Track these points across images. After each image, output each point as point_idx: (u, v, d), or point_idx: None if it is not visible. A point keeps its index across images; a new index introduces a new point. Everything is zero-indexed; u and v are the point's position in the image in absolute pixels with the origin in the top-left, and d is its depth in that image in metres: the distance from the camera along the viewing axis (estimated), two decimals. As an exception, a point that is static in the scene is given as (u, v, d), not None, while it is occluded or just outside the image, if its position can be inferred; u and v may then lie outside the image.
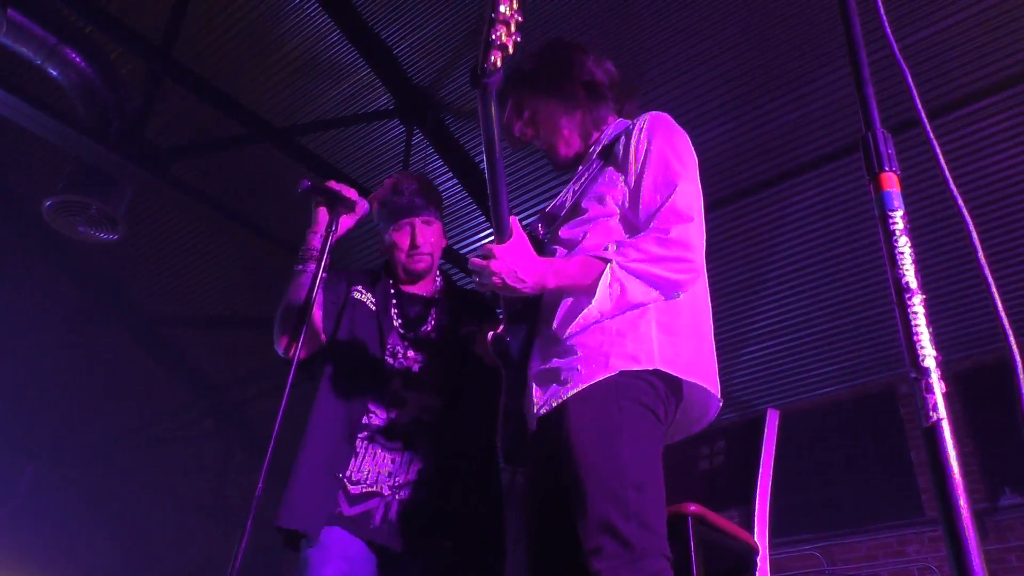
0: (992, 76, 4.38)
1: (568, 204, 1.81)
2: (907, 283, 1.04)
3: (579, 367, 1.60)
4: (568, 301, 1.67)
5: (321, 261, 1.98)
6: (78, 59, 4.51)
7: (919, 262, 1.06)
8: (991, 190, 4.80)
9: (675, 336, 1.63)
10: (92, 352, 7.00)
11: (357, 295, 2.24)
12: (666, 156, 1.70)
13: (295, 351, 1.90)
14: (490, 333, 1.76)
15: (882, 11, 1.28)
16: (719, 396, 1.71)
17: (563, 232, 1.77)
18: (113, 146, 4.37)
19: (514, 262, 1.59)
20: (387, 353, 2.15)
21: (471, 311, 2.31)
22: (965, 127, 4.57)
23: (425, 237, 2.25)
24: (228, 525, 7.78)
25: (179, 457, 7.91)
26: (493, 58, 1.46)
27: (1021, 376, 1.00)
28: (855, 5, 1.25)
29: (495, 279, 1.60)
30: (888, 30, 1.26)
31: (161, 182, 4.57)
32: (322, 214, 2.09)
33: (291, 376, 1.87)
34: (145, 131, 4.56)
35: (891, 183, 1.10)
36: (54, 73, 4.52)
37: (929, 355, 1.01)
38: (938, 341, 1.00)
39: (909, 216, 1.09)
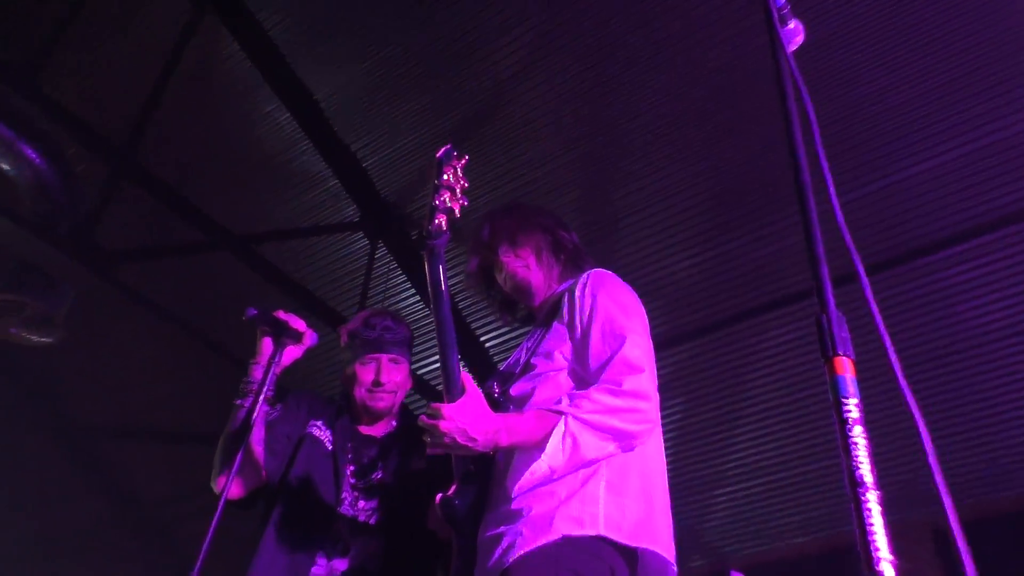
0: (972, 220, 4.52)
1: (521, 362, 1.87)
2: (861, 476, 1.03)
3: (523, 531, 1.60)
4: (520, 459, 1.68)
5: (259, 395, 1.97)
6: (34, 155, 4.53)
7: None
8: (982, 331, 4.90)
9: (623, 497, 1.64)
10: (15, 455, 6.74)
11: (316, 431, 2.24)
12: (611, 310, 1.78)
13: (225, 489, 1.89)
14: (438, 496, 1.77)
15: (826, 168, 1.31)
16: (674, 561, 1.69)
17: (514, 389, 1.82)
18: (59, 244, 4.34)
19: (464, 420, 1.60)
20: (339, 500, 2.15)
21: (422, 444, 2.29)
22: (948, 268, 4.68)
23: (390, 376, 2.28)
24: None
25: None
26: (438, 221, 1.60)
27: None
28: (806, 159, 1.28)
29: (446, 439, 1.61)
30: (830, 182, 1.28)
31: (107, 285, 4.52)
32: (266, 344, 2.10)
33: (217, 515, 1.82)
34: (95, 232, 4.54)
35: (845, 368, 1.10)
36: (5, 167, 4.53)
37: (885, 557, 0.98)
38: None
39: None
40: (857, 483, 1.02)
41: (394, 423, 2.37)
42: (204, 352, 4.97)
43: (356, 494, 2.17)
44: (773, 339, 5.18)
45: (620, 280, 1.90)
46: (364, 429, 2.30)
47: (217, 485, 2.04)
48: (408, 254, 5.32)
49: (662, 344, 5.01)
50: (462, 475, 1.77)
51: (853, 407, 1.06)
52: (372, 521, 2.14)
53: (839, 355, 1.10)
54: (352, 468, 2.21)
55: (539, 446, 1.62)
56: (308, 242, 5.41)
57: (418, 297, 5.45)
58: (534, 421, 1.64)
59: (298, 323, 2.09)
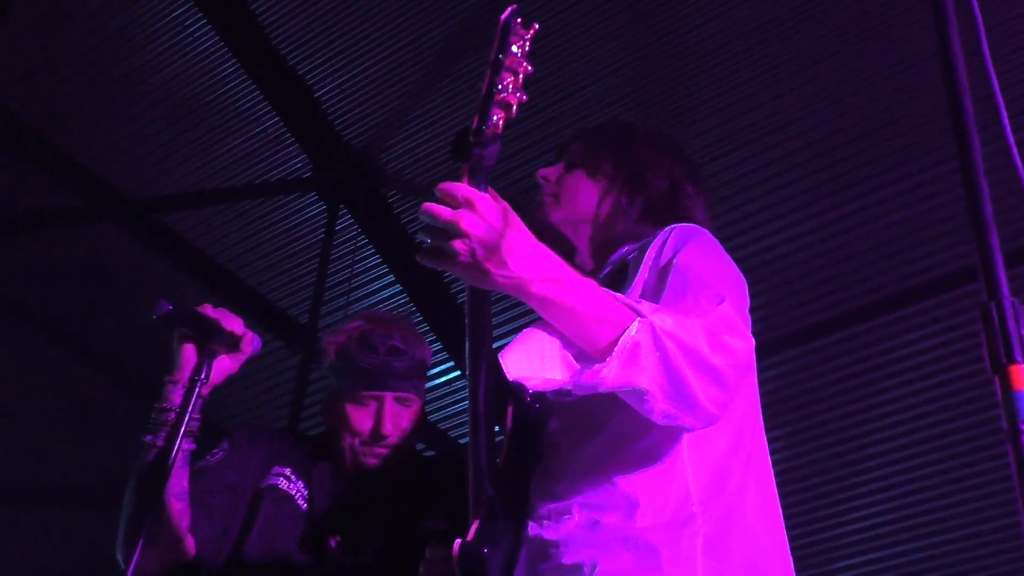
0: None
1: None
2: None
3: None
4: (574, 455, 1.70)
5: (179, 427, 1.98)
6: None
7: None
8: None
9: (729, 558, 1.65)
10: None
11: (283, 483, 2.26)
12: (700, 269, 1.76)
13: (131, 562, 1.89)
14: (456, 543, 1.69)
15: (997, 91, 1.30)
16: None
17: (549, 386, 1.78)
18: None
19: (502, 225, 1.51)
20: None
21: (434, 494, 2.34)
22: None
23: (396, 422, 2.29)
24: None
25: None
26: (496, 118, 1.50)
27: None
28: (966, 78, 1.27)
29: (460, 243, 1.49)
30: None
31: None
32: (188, 354, 2.09)
33: None
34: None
35: (1024, 380, 1.10)
36: None
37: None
38: None
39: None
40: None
41: (394, 466, 2.37)
42: (80, 371, 4.96)
43: (346, 571, 2.20)
44: (912, 344, 5.16)
45: (716, 241, 1.90)
46: (354, 478, 2.33)
47: (120, 556, 2.05)
48: (383, 223, 5.32)
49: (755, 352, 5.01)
50: (487, 508, 1.70)
51: (1038, 435, 1.06)
52: None
53: (1017, 362, 1.09)
54: (337, 539, 2.24)
55: (591, 338, 1.58)
56: (237, 208, 5.42)
57: (399, 287, 5.46)
58: (601, 297, 1.59)
59: (233, 322, 2.08)
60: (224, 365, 2.10)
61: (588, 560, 1.63)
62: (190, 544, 2.15)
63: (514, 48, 1.52)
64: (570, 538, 1.67)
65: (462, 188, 1.50)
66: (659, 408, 1.56)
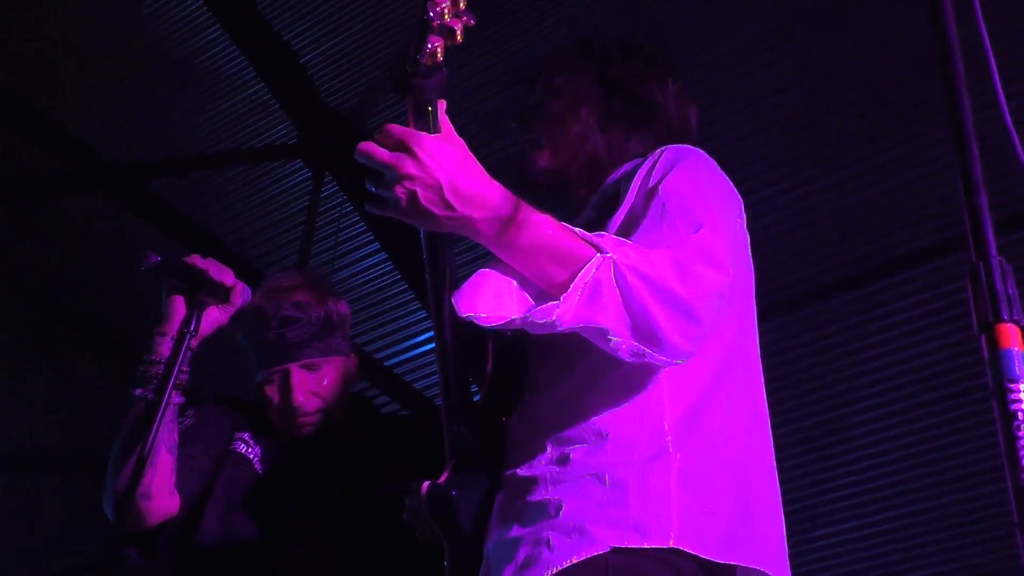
0: None
1: None
2: (1035, 495, 1.04)
3: (550, 538, 1.54)
4: (555, 394, 1.65)
5: (169, 379, 1.96)
6: None
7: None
8: None
9: (706, 494, 1.58)
10: None
11: (241, 447, 2.27)
12: (684, 190, 1.70)
13: (125, 519, 1.92)
14: (424, 484, 1.67)
15: (989, 52, 1.31)
16: None
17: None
18: None
19: (451, 164, 1.45)
20: (276, 543, 2.18)
21: (397, 455, 2.33)
22: None
23: (308, 389, 2.24)
24: None
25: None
26: (432, 46, 1.43)
27: None
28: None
29: (403, 185, 1.44)
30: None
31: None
32: (177, 305, 2.08)
33: (111, 551, 1.85)
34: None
35: (1013, 338, 1.11)
36: None
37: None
38: None
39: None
40: (1031, 505, 1.03)
41: (351, 425, 2.39)
42: (64, 335, 4.95)
43: (300, 535, 2.20)
44: (895, 314, 5.18)
45: (712, 162, 1.84)
46: (302, 444, 2.32)
47: (111, 510, 2.04)
48: (368, 191, 5.30)
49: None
50: (461, 452, 1.68)
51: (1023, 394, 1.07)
52: (328, 570, 2.17)
53: (1004, 321, 1.10)
54: (290, 502, 2.24)
55: (548, 275, 1.51)
56: (223, 175, 5.40)
57: (385, 255, 5.45)
58: (558, 233, 1.52)
59: (223, 273, 2.06)
60: (214, 317, 2.09)
61: (554, 498, 1.58)
62: (176, 501, 2.15)
63: None
64: (540, 475, 1.62)
65: (397, 129, 1.46)
66: (625, 346, 1.50)
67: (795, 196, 4.98)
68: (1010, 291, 1.12)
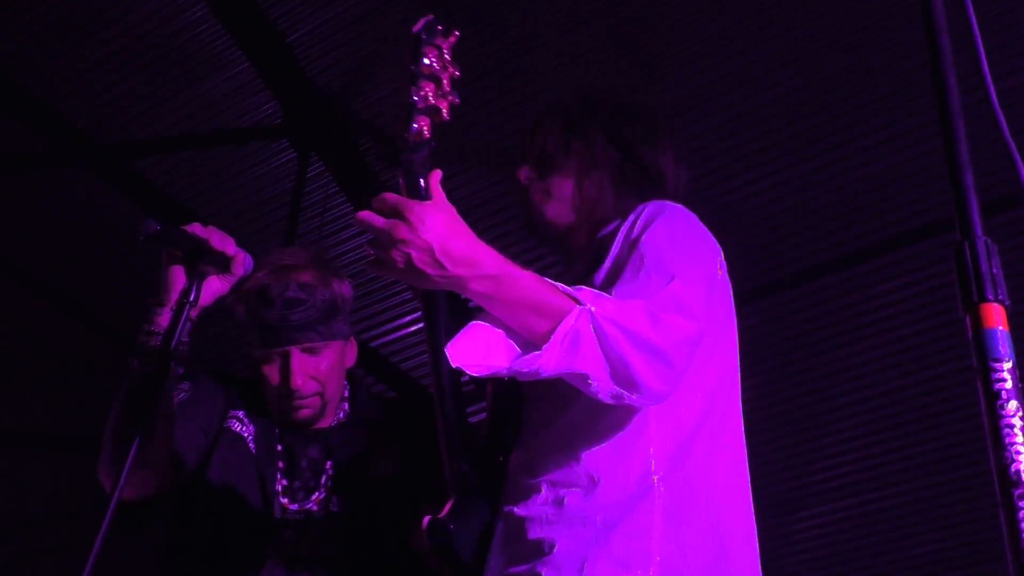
0: None
1: None
2: (1017, 473, 1.04)
3: (542, 573, 1.68)
4: (549, 439, 1.77)
5: (166, 349, 1.95)
6: None
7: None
8: None
9: (686, 527, 1.71)
10: None
11: (236, 425, 2.26)
12: (660, 244, 1.82)
13: (118, 484, 1.87)
14: (426, 519, 1.80)
15: (977, 35, 1.31)
16: None
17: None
18: None
19: (440, 228, 1.59)
20: (268, 523, 2.19)
21: (389, 439, 2.35)
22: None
23: (307, 373, 2.24)
24: None
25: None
26: (417, 126, 1.60)
27: None
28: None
29: (396, 253, 1.58)
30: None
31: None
32: (176, 275, 2.06)
33: (106, 522, 1.82)
34: None
35: (997, 318, 1.11)
36: None
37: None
38: None
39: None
40: (1011, 483, 1.04)
41: (345, 408, 2.38)
42: (49, 315, 4.93)
43: (293, 516, 2.20)
44: (880, 296, 5.20)
45: (691, 215, 1.95)
46: (295, 427, 2.32)
47: (105, 479, 2.03)
48: (354, 171, 5.30)
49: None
50: (460, 485, 1.81)
51: (1007, 374, 1.07)
52: (319, 551, 2.17)
53: (988, 300, 1.11)
54: (285, 483, 2.24)
55: (528, 326, 1.64)
56: (208, 155, 5.38)
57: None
58: (539, 289, 1.65)
59: (225, 242, 2.03)
60: (214, 287, 2.06)
61: (548, 538, 1.72)
62: (171, 474, 2.15)
63: (427, 60, 1.64)
64: (536, 516, 1.76)
65: (393, 198, 1.60)
66: (604, 389, 1.64)
67: (780, 179, 4.99)
68: (995, 271, 1.13)
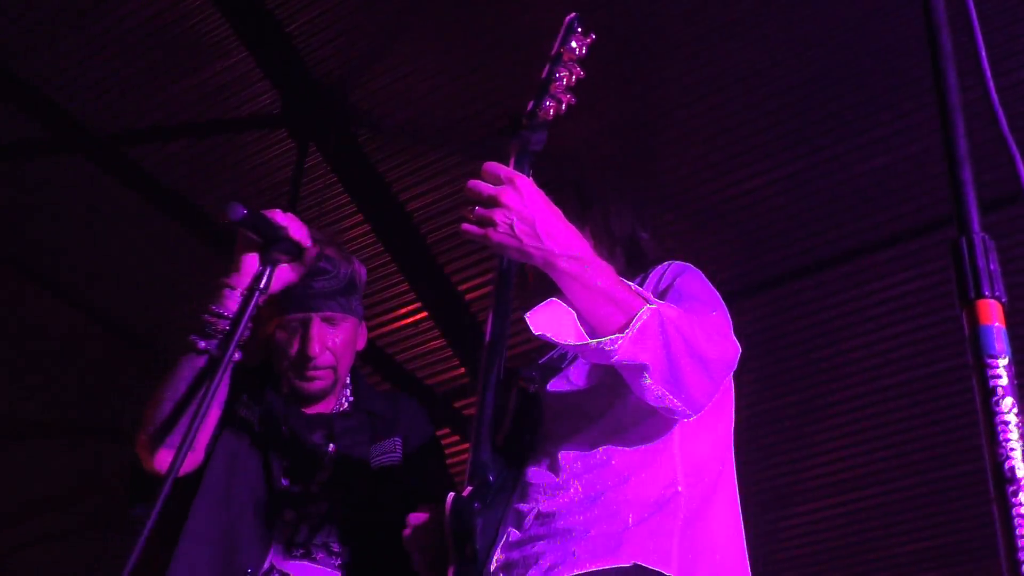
0: None
1: (569, 355, 2.00)
2: (1012, 469, 1.04)
3: (576, 550, 1.76)
4: (569, 432, 1.88)
5: (234, 335, 1.97)
6: None
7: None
8: None
9: (701, 536, 1.84)
10: None
11: (242, 409, 2.26)
12: (694, 290, 1.95)
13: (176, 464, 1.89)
14: (450, 496, 1.80)
15: (977, 30, 1.31)
16: None
17: (553, 385, 1.96)
18: None
19: (541, 205, 1.68)
20: (270, 505, 2.19)
21: (389, 431, 2.35)
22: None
23: (324, 342, 2.25)
24: None
25: None
26: (548, 105, 1.69)
27: None
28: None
29: (500, 215, 1.66)
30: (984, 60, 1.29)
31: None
32: (250, 260, 2.06)
33: (160, 500, 1.83)
34: None
35: (993, 314, 1.11)
36: None
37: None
38: None
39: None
40: (1005, 479, 1.04)
41: (348, 396, 2.39)
42: (46, 303, 4.92)
43: (294, 501, 2.21)
44: (879, 291, 5.20)
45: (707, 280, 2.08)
46: (303, 408, 2.33)
47: (157, 459, 2.03)
48: (353, 160, 5.29)
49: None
50: (476, 473, 1.82)
51: (1003, 371, 1.07)
52: (318, 541, 2.18)
53: (984, 297, 1.11)
54: (286, 465, 2.23)
55: (602, 316, 1.72)
56: (205, 144, 5.37)
57: (369, 226, 5.44)
58: (618, 281, 1.75)
59: (301, 231, 2.06)
60: (284, 275, 2.08)
61: (581, 525, 1.79)
62: (201, 455, 2.16)
63: (573, 44, 1.73)
64: (567, 508, 1.82)
65: (504, 168, 1.70)
66: (655, 385, 1.73)
67: (780, 174, 4.98)
68: (992, 267, 1.13)
